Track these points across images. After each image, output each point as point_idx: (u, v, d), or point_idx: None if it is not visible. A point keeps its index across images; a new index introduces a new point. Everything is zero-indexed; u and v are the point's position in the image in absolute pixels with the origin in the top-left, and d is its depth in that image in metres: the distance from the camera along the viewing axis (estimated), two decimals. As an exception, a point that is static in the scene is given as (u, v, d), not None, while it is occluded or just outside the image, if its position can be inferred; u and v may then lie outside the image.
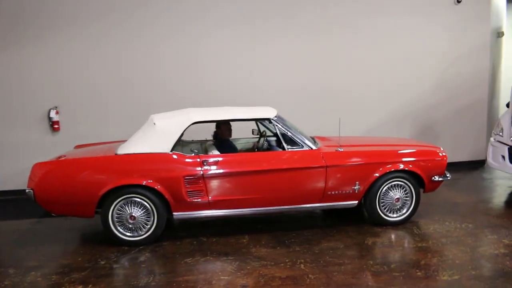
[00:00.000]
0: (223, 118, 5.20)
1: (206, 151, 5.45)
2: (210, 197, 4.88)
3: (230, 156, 5.10)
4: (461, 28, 8.17)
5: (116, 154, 4.89)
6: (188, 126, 4.96)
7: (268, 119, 5.17)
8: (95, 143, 6.10)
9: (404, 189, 5.32)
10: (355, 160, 5.17)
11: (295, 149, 5.11)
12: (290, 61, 7.76)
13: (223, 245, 4.89)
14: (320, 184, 5.09)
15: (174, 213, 4.90)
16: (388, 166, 5.19)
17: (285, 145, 5.09)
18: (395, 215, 5.37)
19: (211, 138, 5.91)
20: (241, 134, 6.14)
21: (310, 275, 4.11)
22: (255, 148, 6.13)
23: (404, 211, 5.38)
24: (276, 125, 5.14)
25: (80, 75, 7.19)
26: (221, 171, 4.86)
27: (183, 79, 7.46)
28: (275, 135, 6.10)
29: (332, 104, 7.87)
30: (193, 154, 4.95)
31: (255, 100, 7.20)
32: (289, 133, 5.14)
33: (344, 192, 5.17)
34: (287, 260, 4.45)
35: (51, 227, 5.65)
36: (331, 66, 7.87)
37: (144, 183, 4.73)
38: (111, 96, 7.31)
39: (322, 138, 5.80)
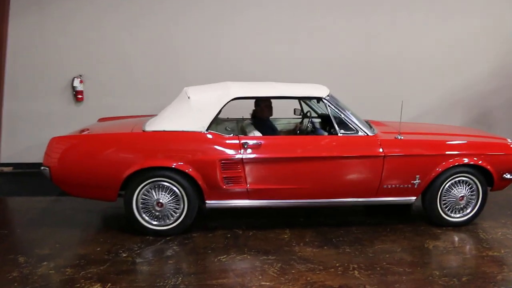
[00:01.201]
0: (267, 95, 4.41)
1: (243, 132, 4.71)
2: (248, 185, 4.14)
3: (275, 138, 4.34)
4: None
5: (144, 131, 4.17)
6: (227, 103, 4.21)
7: (319, 98, 4.38)
8: (120, 117, 5.40)
9: (470, 186, 4.51)
10: (417, 150, 4.35)
11: (349, 134, 4.32)
12: (333, 34, 6.90)
13: (262, 240, 4.16)
14: (376, 176, 4.30)
15: (207, 201, 4.19)
16: (454, 159, 4.37)
17: (337, 129, 4.30)
18: (457, 215, 4.56)
19: (249, 117, 5.15)
20: (280, 114, 5.35)
21: (367, 286, 3.37)
22: (297, 130, 5.37)
23: (468, 211, 4.57)
24: (329, 106, 4.34)
25: (107, 42, 6.48)
26: (263, 155, 4.10)
27: (219, 50, 6.69)
28: (321, 116, 5.34)
29: (373, 84, 7.02)
30: (231, 135, 4.21)
31: (288, 76, 6.44)
32: (342, 115, 4.34)
33: (401, 186, 4.38)
34: (337, 264, 3.71)
35: (70, 207, 5.00)
36: (377, 41, 6.99)
37: (174, 165, 4.01)
38: (140, 66, 6.57)
39: (376, 123, 4.97)
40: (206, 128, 4.13)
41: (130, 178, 4.05)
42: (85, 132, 4.48)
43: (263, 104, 4.93)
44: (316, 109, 5.61)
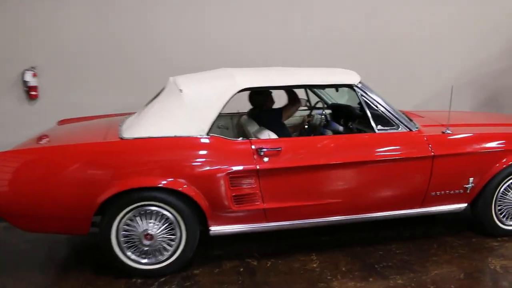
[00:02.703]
0: (285, 84, 3.26)
1: (240, 130, 3.64)
2: (266, 204, 3.06)
3: (297, 141, 3.26)
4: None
5: (121, 139, 3.01)
6: (233, 95, 3.09)
7: (351, 86, 3.32)
8: (86, 117, 4.15)
9: (527, 186, 3.60)
10: (473, 146, 3.38)
11: (388, 130, 3.30)
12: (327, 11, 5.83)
13: (286, 274, 3.09)
14: (423, 182, 3.30)
15: (212, 228, 3.08)
16: (514, 156, 3.44)
17: (374, 124, 3.27)
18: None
19: (247, 111, 4.05)
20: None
21: None
22: (305, 124, 4.32)
23: (525, 216, 3.68)
24: (362, 95, 3.29)
25: (67, 27, 5.16)
26: (285, 165, 3.01)
27: (204, 34, 5.49)
28: (332, 107, 4.32)
29: (376, 67, 5.98)
30: (241, 139, 3.10)
31: (284, 58, 5.37)
32: (379, 107, 3.30)
33: (452, 192, 3.41)
34: (396, 306, 2.72)
35: (26, 239, 3.75)
36: (378, 20, 5.96)
37: (164, 184, 2.88)
38: (108, 55, 5.28)
39: (407, 114, 3.97)
40: (206, 131, 3.00)
41: (106, 203, 2.90)
42: (43, 142, 3.27)
43: (265, 94, 3.84)
44: (326, 98, 4.57)
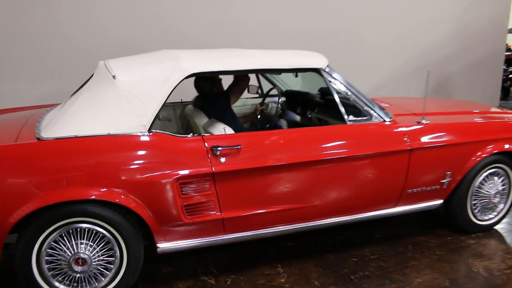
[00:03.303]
0: (241, 68, 2.66)
1: (184, 123, 3.10)
2: (224, 213, 2.52)
3: (258, 135, 2.70)
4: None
5: (39, 139, 2.33)
6: (180, 82, 2.49)
7: (317, 70, 2.81)
8: (1, 110, 3.40)
9: (501, 179, 3.30)
10: (452, 137, 3.00)
11: (360, 121, 2.84)
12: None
13: (250, 293, 2.60)
14: (399, 179, 2.90)
15: (159, 245, 2.49)
16: (494, 146, 3.11)
17: (345, 114, 2.79)
18: (486, 218, 3.36)
19: (193, 100, 3.47)
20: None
21: None
22: (257, 114, 3.81)
23: (499, 209, 3.38)
24: (330, 82, 2.81)
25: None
26: (247, 165, 2.47)
27: (154, 16, 4.80)
28: (287, 94, 3.86)
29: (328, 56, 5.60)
30: (191, 135, 2.51)
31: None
32: (350, 94, 2.83)
33: (429, 188, 3.03)
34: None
35: None
36: (326, 7, 5.53)
37: (96, 195, 2.26)
38: (37, 36, 4.47)
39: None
40: (148, 126, 2.40)
41: (23, 223, 2.24)
42: None
43: (214, 80, 3.28)
44: (280, 85, 4.08)
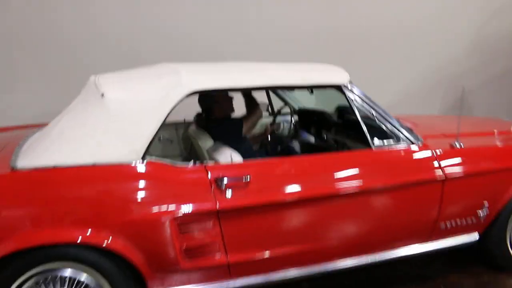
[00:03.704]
0: (251, 85, 2.28)
1: (187, 146, 2.74)
2: (230, 257, 2.13)
3: (274, 164, 2.26)
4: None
5: (14, 170, 1.93)
6: (180, 101, 2.12)
7: (338, 87, 2.42)
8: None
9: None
10: (489, 163, 2.61)
11: (387, 145, 2.45)
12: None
13: None
14: (430, 211, 2.49)
15: (153, 294, 2.11)
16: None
17: (369, 138, 2.41)
18: (527, 253, 2.94)
19: (197, 119, 3.10)
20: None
21: None
22: (267, 134, 3.45)
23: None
24: (353, 100, 2.41)
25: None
26: (259, 200, 2.07)
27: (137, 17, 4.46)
28: (300, 112, 3.49)
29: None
30: (191, 164, 2.13)
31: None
32: (375, 114, 2.44)
33: (463, 221, 2.63)
34: None
35: None
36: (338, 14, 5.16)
37: (83, 238, 1.88)
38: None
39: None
40: (141, 153, 2.02)
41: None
42: None
43: (221, 98, 2.90)
44: (292, 102, 3.71)
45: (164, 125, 3.03)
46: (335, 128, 3.18)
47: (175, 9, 4.46)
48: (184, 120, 3.38)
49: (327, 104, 3.48)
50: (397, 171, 2.37)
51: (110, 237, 1.91)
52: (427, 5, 5.44)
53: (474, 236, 2.72)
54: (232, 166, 2.13)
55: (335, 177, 2.24)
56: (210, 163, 2.11)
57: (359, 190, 2.25)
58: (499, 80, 6.04)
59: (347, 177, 2.25)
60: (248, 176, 2.06)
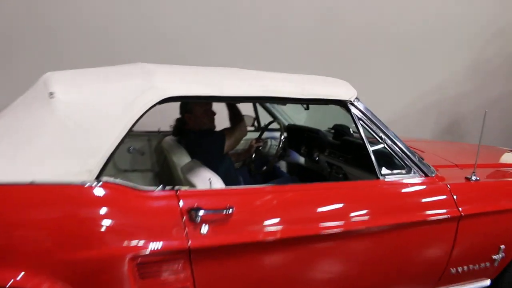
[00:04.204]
0: (241, 94, 1.81)
1: (161, 163, 2.31)
2: (202, 307, 1.67)
3: (261, 193, 1.79)
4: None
5: None
6: (150, 108, 1.64)
7: (343, 103, 2.00)
8: None
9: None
10: (508, 199, 2.23)
11: (397, 176, 2.04)
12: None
13: None
14: (442, 255, 2.09)
15: None
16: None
17: (376, 166, 1.98)
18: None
19: (172, 129, 2.65)
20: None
21: None
22: (252, 153, 3.05)
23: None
24: (360, 119, 2.00)
25: None
26: (242, 239, 1.63)
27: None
28: (289, 129, 3.10)
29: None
30: (159, 189, 1.63)
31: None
32: (384, 137, 2.03)
33: (477, 266, 2.24)
34: None
35: None
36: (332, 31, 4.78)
37: (12, 284, 1.38)
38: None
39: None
40: (96, 172, 1.56)
41: None
42: None
43: (201, 109, 2.47)
44: (281, 117, 3.31)
45: (135, 135, 2.58)
46: (330, 149, 2.78)
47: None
48: (159, 130, 2.94)
49: (321, 122, 3.09)
50: (408, 207, 1.96)
51: (48, 282, 1.44)
52: (423, 28, 5.14)
53: (485, 283, 2.33)
54: (211, 194, 1.68)
55: (338, 213, 1.81)
56: (183, 189, 1.65)
57: (363, 229, 1.83)
58: (492, 106, 5.77)
59: (350, 213, 1.83)
60: (230, 208, 1.61)
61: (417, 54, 5.18)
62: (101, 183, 1.54)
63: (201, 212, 1.57)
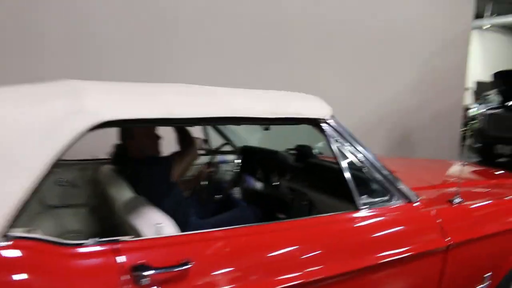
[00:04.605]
0: (193, 116, 1.43)
1: (101, 192, 1.92)
2: None
3: (225, 236, 1.41)
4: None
5: None
6: (80, 136, 1.23)
7: (316, 122, 1.69)
8: None
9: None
10: (493, 224, 2.01)
11: (378, 204, 1.75)
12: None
13: None
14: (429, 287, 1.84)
15: None
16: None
17: (357, 195, 1.69)
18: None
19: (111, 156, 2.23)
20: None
21: None
22: (200, 180, 2.69)
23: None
24: (336, 140, 1.69)
25: None
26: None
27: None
28: (243, 151, 2.78)
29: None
30: (90, 241, 1.22)
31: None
32: (363, 160, 1.73)
33: (464, 298, 2.00)
34: None
35: None
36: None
37: None
38: None
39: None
40: (5, 226, 1.12)
41: None
42: None
43: (143, 133, 2.08)
44: (235, 139, 2.99)
45: (65, 164, 2.19)
46: (291, 173, 2.47)
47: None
48: (97, 157, 2.50)
49: (280, 143, 2.78)
50: (393, 242, 1.68)
51: None
52: (370, 41, 5.04)
53: (471, 315, 2.10)
54: (160, 244, 1.30)
55: (319, 256, 1.48)
56: (125, 239, 1.26)
57: (345, 273, 1.52)
58: (437, 120, 5.77)
59: (331, 255, 1.51)
60: (188, 262, 1.24)
61: (362, 72, 5.05)
62: (11, 240, 1.12)
63: (149, 271, 1.18)
